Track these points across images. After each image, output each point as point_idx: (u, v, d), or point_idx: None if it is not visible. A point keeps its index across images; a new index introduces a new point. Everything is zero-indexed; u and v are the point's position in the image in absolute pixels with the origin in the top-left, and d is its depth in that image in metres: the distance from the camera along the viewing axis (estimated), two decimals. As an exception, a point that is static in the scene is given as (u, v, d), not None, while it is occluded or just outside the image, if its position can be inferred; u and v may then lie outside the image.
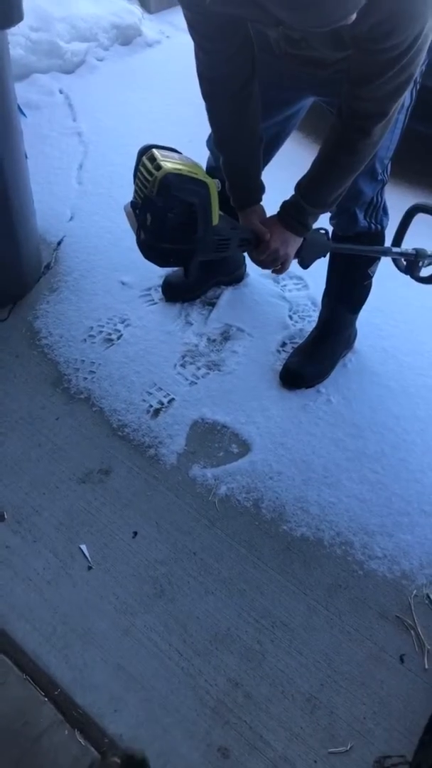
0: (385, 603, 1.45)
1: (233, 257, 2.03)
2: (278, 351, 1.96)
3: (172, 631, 1.37)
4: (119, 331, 1.98)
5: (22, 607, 1.39)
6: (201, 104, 1.39)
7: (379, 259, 1.72)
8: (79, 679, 1.29)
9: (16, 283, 2.04)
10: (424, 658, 1.37)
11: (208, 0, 0.98)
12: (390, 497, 1.63)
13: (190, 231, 1.25)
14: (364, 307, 1.88)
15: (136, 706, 1.27)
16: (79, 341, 1.94)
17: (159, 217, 1.22)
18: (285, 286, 2.17)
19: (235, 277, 2.13)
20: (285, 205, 1.39)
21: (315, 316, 2.00)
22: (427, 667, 1.36)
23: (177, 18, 3.66)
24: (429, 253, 1.56)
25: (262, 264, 1.46)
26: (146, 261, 1.33)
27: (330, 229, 1.63)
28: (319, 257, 1.52)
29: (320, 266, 1.62)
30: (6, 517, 1.54)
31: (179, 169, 1.18)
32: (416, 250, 1.55)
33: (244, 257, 2.08)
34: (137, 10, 3.57)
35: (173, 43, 3.55)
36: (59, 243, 2.25)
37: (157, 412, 1.78)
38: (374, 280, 1.80)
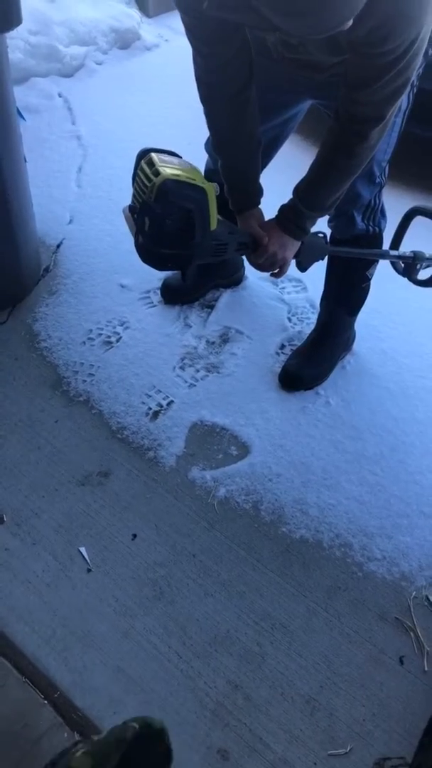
0: (385, 605, 1.45)
1: (232, 260, 2.04)
2: (277, 353, 1.96)
3: (172, 633, 1.37)
4: (118, 333, 1.98)
5: (22, 609, 1.39)
6: (199, 107, 1.39)
7: (377, 261, 1.73)
8: (79, 681, 1.29)
9: (16, 286, 2.04)
10: (424, 660, 1.37)
11: (205, 5, 0.98)
12: (389, 499, 1.63)
13: (188, 236, 1.25)
14: (363, 309, 1.88)
15: (135, 708, 1.27)
16: (78, 344, 1.94)
17: (157, 222, 1.22)
18: (284, 288, 2.17)
19: (234, 279, 2.13)
20: (283, 209, 1.40)
21: (314, 318, 2.00)
22: (426, 668, 1.36)
23: (175, 22, 3.67)
24: (427, 255, 1.56)
25: (260, 267, 1.46)
26: (145, 264, 1.33)
27: (328, 232, 1.63)
28: (318, 260, 1.53)
29: (319, 269, 1.63)
30: (5, 519, 1.54)
31: (177, 175, 1.18)
32: (414, 252, 1.56)
33: (243, 260, 2.09)
34: (136, 14, 3.58)
35: (172, 46, 3.56)
36: (58, 246, 2.25)
37: (156, 414, 1.78)
38: (372, 282, 1.80)
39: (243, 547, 1.52)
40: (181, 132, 2.27)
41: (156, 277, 2.07)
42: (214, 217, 1.26)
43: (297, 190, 1.37)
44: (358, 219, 1.60)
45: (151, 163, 1.20)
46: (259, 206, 1.45)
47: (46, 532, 1.52)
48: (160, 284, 2.09)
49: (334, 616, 1.42)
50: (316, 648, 1.37)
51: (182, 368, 1.90)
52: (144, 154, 1.23)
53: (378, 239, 1.68)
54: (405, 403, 1.85)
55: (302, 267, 1.51)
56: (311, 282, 2.14)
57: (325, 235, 1.51)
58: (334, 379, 1.89)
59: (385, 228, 1.69)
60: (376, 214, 1.63)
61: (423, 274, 1.60)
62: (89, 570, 1.46)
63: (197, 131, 1.60)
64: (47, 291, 2.09)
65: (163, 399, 1.81)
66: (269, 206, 1.44)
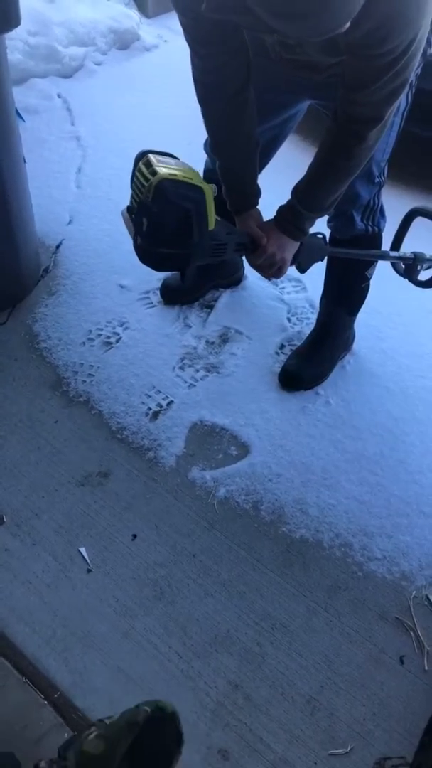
0: (385, 604, 1.45)
1: (231, 260, 2.04)
2: (277, 353, 1.96)
3: (172, 633, 1.37)
4: (118, 334, 1.98)
5: (22, 610, 1.39)
6: (198, 108, 1.39)
7: (376, 261, 1.73)
8: (79, 682, 1.29)
9: (15, 287, 2.04)
10: (424, 659, 1.37)
11: (203, 6, 0.99)
12: (389, 499, 1.63)
13: (186, 236, 1.25)
14: (363, 308, 1.88)
15: (136, 708, 1.27)
16: (77, 344, 1.94)
17: (155, 222, 1.22)
18: (283, 288, 2.17)
19: (234, 279, 2.13)
20: (281, 210, 1.40)
21: (313, 318, 2.00)
22: (426, 668, 1.36)
23: (174, 22, 3.67)
24: (427, 256, 1.56)
25: (259, 268, 1.46)
26: (143, 265, 1.33)
27: (327, 232, 1.63)
28: (317, 261, 1.53)
29: (318, 269, 1.63)
30: (5, 520, 1.54)
31: (174, 175, 1.19)
32: (414, 253, 1.56)
33: (242, 260, 2.09)
34: (135, 14, 3.58)
35: (171, 47, 3.56)
36: (58, 246, 2.25)
37: (156, 414, 1.78)
38: (372, 282, 1.80)
39: (243, 547, 1.52)
40: (181, 132, 2.27)
41: (155, 277, 2.07)
42: (212, 217, 1.26)
43: (295, 191, 1.37)
44: (358, 219, 1.60)
45: (148, 164, 1.21)
46: (258, 207, 1.45)
47: (46, 533, 1.52)
48: (159, 284, 2.09)
49: (334, 616, 1.42)
50: (316, 648, 1.37)
51: (182, 368, 1.90)
52: (142, 156, 1.24)
53: (377, 239, 1.68)
54: (405, 403, 1.85)
55: (302, 268, 1.51)
56: (311, 282, 2.14)
57: (324, 236, 1.51)
58: (334, 379, 1.89)
59: (385, 228, 1.69)
60: (376, 214, 1.63)
61: (424, 275, 1.60)
62: (89, 570, 1.46)
63: (196, 131, 1.60)
64: (47, 291, 2.10)
65: (163, 399, 1.81)
66: (268, 206, 1.44)
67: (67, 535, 1.52)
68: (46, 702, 1.26)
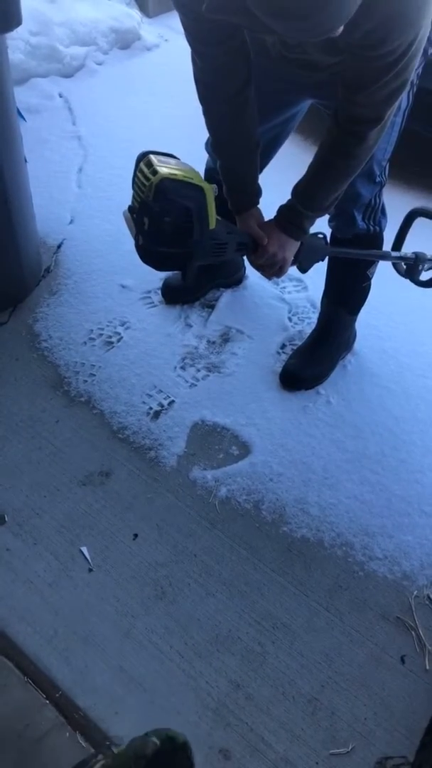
0: (386, 604, 1.45)
1: (232, 260, 2.04)
2: (278, 353, 1.96)
3: (173, 633, 1.37)
4: (119, 333, 1.98)
5: (23, 609, 1.39)
6: (200, 107, 1.39)
7: (377, 261, 1.72)
8: (80, 681, 1.30)
9: (16, 286, 2.04)
10: (425, 659, 1.37)
11: (204, 7, 0.99)
12: (390, 498, 1.63)
13: (187, 235, 1.25)
14: (364, 308, 1.88)
15: (137, 708, 1.27)
16: (79, 344, 1.94)
17: (156, 221, 1.23)
18: (284, 288, 2.17)
19: (235, 279, 2.13)
20: (282, 209, 1.40)
21: (314, 317, 2.00)
22: (428, 667, 1.36)
23: (176, 22, 3.67)
24: (429, 257, 1.56)
25: (260, 268, 1.46)
26: (145, 265, 1.33)
27: (328, 231, 1.63)
28: (318, 261, 1.53)
29: (319, 268, 1.63)
30: (7, 519, 1.54)
31: (175, 174, 1.19)
32: (416, 254, 1.56)
33: (243, 259, 2.09)
34: (136, 14, 3.58)
35: (172, 46, 3.56)
36: (59, 246, 2.25)
37: (157, 414, 1.78)
38: (373, 281, 1.80)
39: (244, 547, 1.52)
40: (182, 132, 2.27)
41: (157, 277, 2.07)
42: (213, 216, 1.26)
43: (295, 191, 1.37)
44: (359, 218, 1.60)
45: (149, 164, 1.21)
46: (258, 207, 1.45)
47: (48, 532, 1.52)
48: (160, 284, 2.09)
49: (335, 616, 1.42)
50: (317, 647, 1.37)
51: (183, 368, 1.90)
52: (143, 156, 1.25)
53: (378, 238, 1.68)
54: (406, 403, 1.85)
55: (302, 268, 1.51)
56: (312, 281, 2.14)
57: (325, 236, 1.51)
58: (335, 379, 1.89)
59: (386, 227, 1.69)
60: (377, 213, 1.63)
61: (425, 276, 1.60)
62: (91, 570, 1.46)
63: (198, 131, 1.60)
64: (48, 291, 2.10)
65: (164, 399, 1.81)
66: (269, 206, 1.44)
67: (69, 535, 1.52)
68: (47, 701, 1.26)
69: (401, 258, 1.56)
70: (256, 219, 1.43)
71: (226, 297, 2.11)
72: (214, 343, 1.98)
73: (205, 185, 1.22)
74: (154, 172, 1.19)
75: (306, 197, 1.35)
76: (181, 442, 1.72)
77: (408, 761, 1.22)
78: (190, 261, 1.32)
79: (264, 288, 2.15)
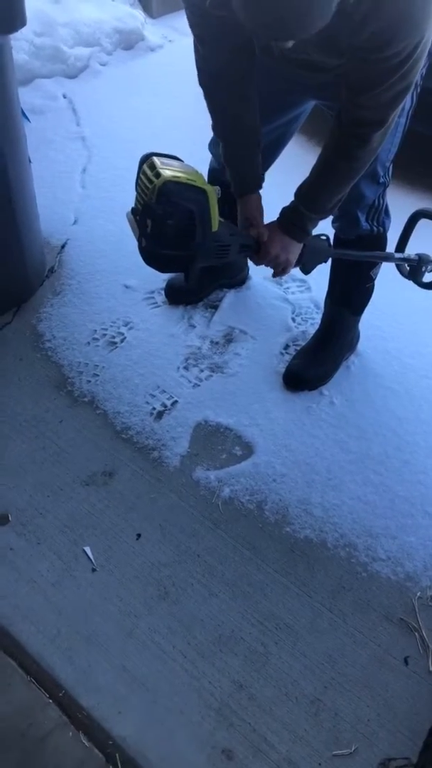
0: (389, 605, 1.44)
1: (235, 261, 2.04)
2: (281, 353, 1.96)
3: (176, 633, 1.37)
4: (123, 334, 1.99)
5: (27, 609, 1.39)
6: (204, 108, 1.40)
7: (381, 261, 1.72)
8: (84, 680, 1.30)
9: (20, 287, 2.05)
10: (429, 660, 1.36)
11: (207, 2, 0.99)
12: (393, 499, 1.63)
13: (190, 238, 1.26)
14: (367, 309, 1.88)
15: (140, 708, 1.27)
16: (82, 344, 1.95)
17: (159, 223, 1.23)
18: (288, 288, 2.17)
19: (238, 280, 2.13)
20: (284, 211, 1.40)
21: (318, 318, 2.00)
22: (431, 668, 1.35)
23: (179, 22, 3.68)
24: (432, 258, 1.56)
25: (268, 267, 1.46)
26: (148, 266, 1.34)
27: (332, 232, 1.63)
28: (321, 263, 1.53)
29: (322, 269, 1.63)
30: (10, 519, 1.54)
31: (178, 177, 1.19)
32: (419, 255, 1.56)
33: (246, 260, 2.09)
34: (140, 14, 3.59)
35: (176, 47, 3.56)
36: (63, 246, 2.26)
37: (160, 414, 1.78)
38: (377, 282, 1.80)
39: (247, 547, 1.52)
40: (185, 132, 2.28)
41: (160, 277, 2.07)
42: (215, 218, 1.26)
43: (298, 193, 1.37)
44: (362, 219, 1.60)
45: (152, 166, 1.22)
46: (260, 193, 1.45)
47: (51, 532, 1.52)
48: (164, 285, 2.09)
49: (338, 617, 1.42)
50: (320, 648, 1.37)
51: (186, 368, 1.90)
52: (146, 159, 1.25)
53: (382, 239, 1.68)
54: (409, 404, 1.85)
55: (305, 269, 1.52)
56: (315, 282, 2.14)
57: (328, 238, 1.51)
58: (339, 380, 1.89)
59: (390, 227, 1.68)
60: (380, 214, 1.63)
61: (428, 277, 1.60)
62: (94, 570, 1.46)
63: (201, 131, 1.61)
64: (52, 291, 2.10)
65: (168, 399, 1.82)
66: (273, 206, 1.44)
67: (72, 535, 1.52)
68: (50, 700, 1.26)
69: (404, 259, 1.56)
70: (256, 204, 1.43)
71: (229, 297, 2.11)
72: (217, 343, 1.98)
73: (208, 188, 1.22)
74: (157, 175, 1.20)
75: (309, 199, 1.35)
76: (184, 442, 1.72)
77: (411, 763, 1.22)
78: (193, 263, 1.32)
79: (267, 289, 2.15)
